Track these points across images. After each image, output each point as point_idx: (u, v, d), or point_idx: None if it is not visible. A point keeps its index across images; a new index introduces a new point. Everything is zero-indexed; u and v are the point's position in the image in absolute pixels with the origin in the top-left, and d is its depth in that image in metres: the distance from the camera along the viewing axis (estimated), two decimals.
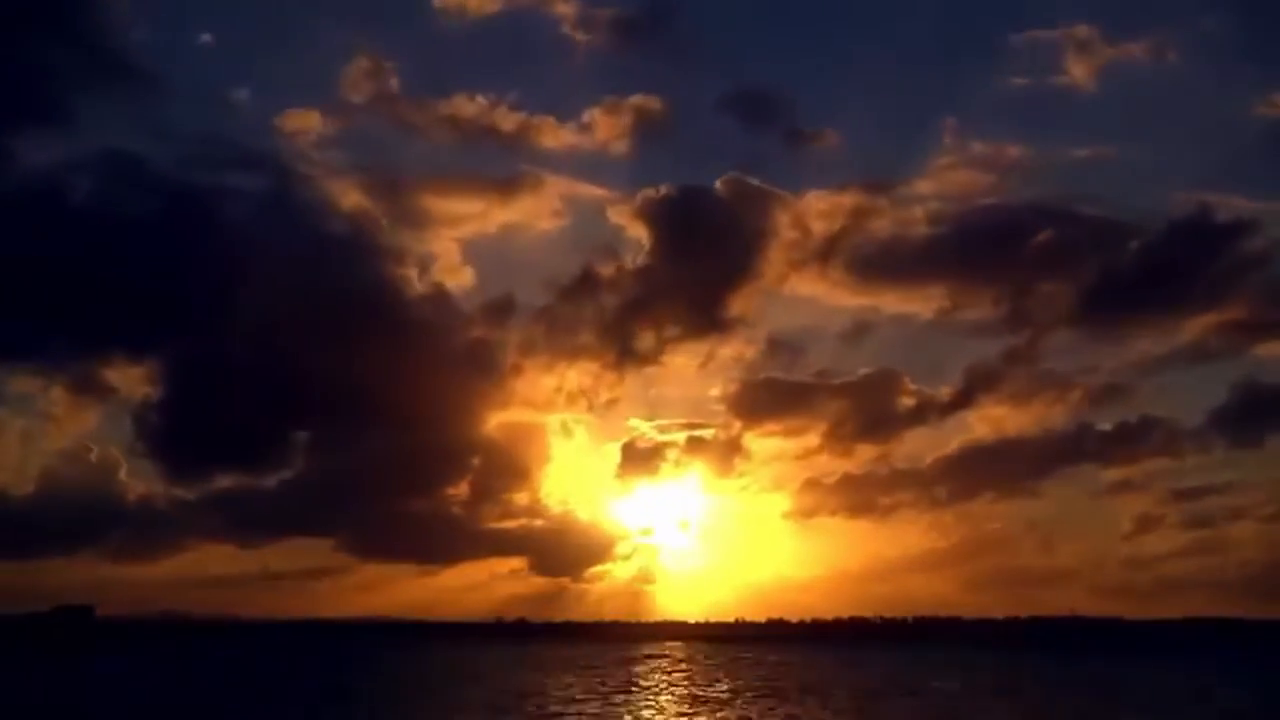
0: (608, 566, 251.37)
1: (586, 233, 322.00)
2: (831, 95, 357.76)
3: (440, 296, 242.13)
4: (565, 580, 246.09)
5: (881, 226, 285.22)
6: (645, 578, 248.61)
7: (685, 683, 73.43)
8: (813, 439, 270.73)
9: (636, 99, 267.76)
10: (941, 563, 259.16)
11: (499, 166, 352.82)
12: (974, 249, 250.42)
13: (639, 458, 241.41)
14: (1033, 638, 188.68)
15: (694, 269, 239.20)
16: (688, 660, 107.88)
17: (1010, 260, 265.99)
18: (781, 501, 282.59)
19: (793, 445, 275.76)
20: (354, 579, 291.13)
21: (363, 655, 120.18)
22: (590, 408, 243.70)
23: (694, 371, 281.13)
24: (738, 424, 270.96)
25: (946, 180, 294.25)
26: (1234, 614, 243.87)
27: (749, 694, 62.80)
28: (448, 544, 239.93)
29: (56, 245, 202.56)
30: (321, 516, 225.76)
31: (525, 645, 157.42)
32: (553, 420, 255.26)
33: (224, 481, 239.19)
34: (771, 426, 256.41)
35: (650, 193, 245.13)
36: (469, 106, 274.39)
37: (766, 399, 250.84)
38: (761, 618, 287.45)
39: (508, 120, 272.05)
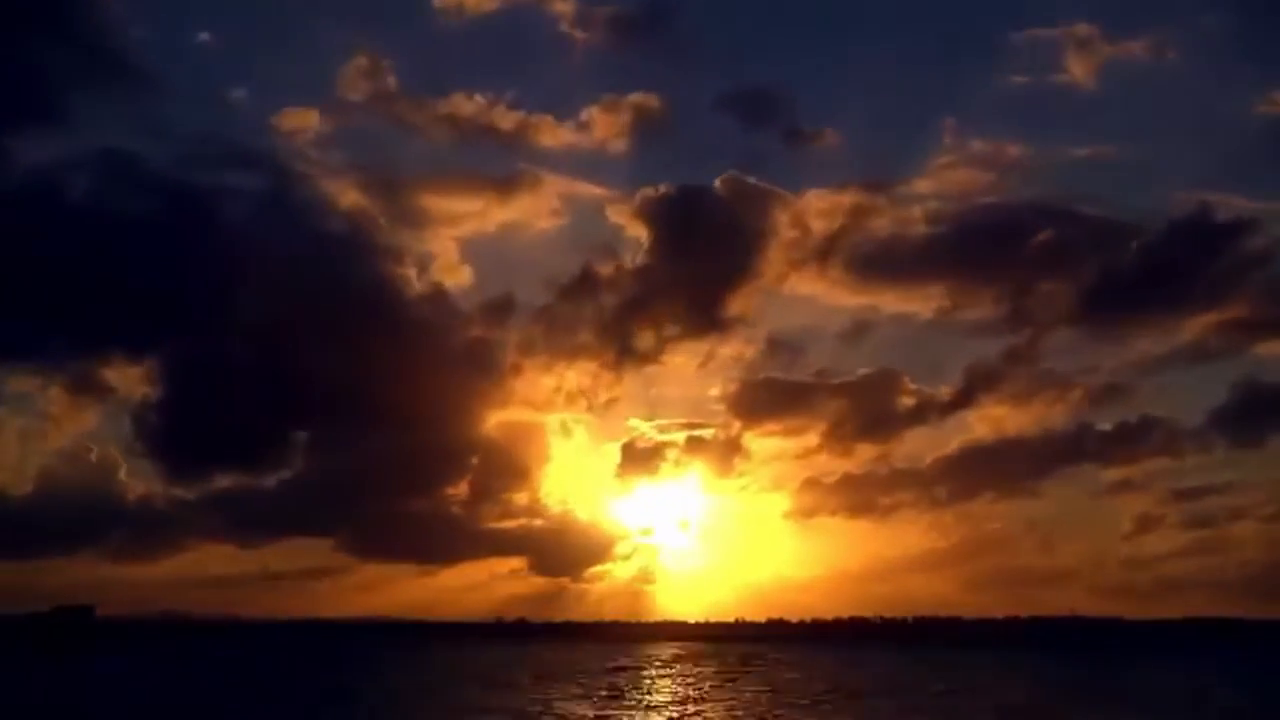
0: (607, 566, 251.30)
1: (585, 232, 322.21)
2: (831, 94, 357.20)
3: (439, 296, 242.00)
4: (565, 580, 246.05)
5: (881, 226, 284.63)
6: (645, 578, 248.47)
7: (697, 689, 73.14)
8: (812, 439, 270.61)
9: (635, 97, 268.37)
10: (941, 563, 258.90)
11: (497, 165, 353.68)
12: (974, 248, 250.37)
13: (639, 457, 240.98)
14: (1033, 638, 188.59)
15: (693, 268, 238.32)
16: (693, 659, 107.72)
17: (1010, 260, 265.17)
18: (781, 501, 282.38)
19: (792, 445, 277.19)
20: (354, 579, 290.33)
21: (363, 655, 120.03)
22: (590, 407, 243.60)
23: (693, 371, 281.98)
24: (737, 424, 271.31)
25: (946, 179, 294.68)
26: (1234, 614, 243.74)
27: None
28: (447, 544, 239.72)
29: (55, 245, 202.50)
30: (321, 516, 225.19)
31: (525, 645, 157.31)
32: (552, 420, 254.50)
33: (224, 481, 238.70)
34: (771, 426, 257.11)
35: (649, 192, 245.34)
36: (467, 105, 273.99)
37: (766, 399, 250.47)
38: (761, 618, 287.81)
39: (506, 119, 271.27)
